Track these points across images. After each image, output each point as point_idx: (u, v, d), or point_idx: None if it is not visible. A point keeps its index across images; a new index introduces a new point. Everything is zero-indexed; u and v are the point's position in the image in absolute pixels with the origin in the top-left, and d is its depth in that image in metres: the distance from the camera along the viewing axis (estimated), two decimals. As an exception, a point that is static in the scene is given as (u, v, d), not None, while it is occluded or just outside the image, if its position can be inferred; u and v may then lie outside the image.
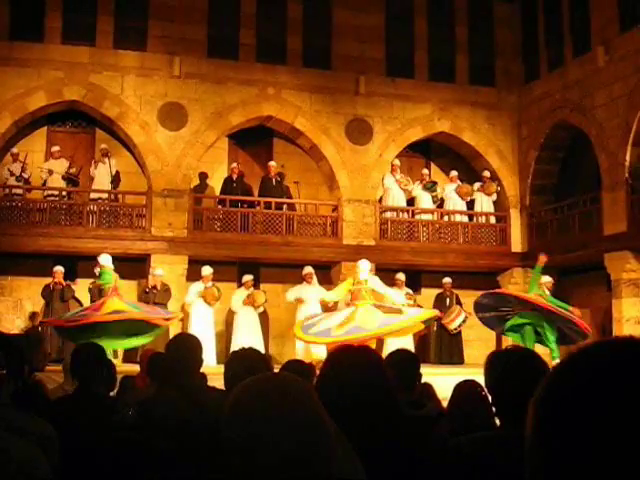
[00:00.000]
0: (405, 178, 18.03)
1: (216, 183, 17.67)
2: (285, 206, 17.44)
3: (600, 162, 16.29)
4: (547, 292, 14.27)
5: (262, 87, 17.40)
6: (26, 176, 16.37)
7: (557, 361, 11.11)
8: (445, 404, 5.12)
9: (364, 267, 13.84)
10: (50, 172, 16.47)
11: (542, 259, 14.16)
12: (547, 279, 14.48)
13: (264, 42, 17.68)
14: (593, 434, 0.85)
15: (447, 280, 17.36)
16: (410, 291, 16.77)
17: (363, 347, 2.81)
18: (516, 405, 1.93)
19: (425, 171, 18.68)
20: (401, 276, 16.66)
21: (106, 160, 16.62)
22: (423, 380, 5.42)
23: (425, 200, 18.24)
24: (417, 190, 18.26)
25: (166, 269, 15.59)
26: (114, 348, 13.29)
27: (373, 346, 11.78)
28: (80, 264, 16.64)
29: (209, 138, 17.10)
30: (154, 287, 15.39)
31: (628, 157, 15.57)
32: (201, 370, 4.32)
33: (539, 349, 11.82)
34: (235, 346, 13.25)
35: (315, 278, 15.72)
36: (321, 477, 1.43)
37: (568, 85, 17.34)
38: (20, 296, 16.65)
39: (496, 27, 19.36)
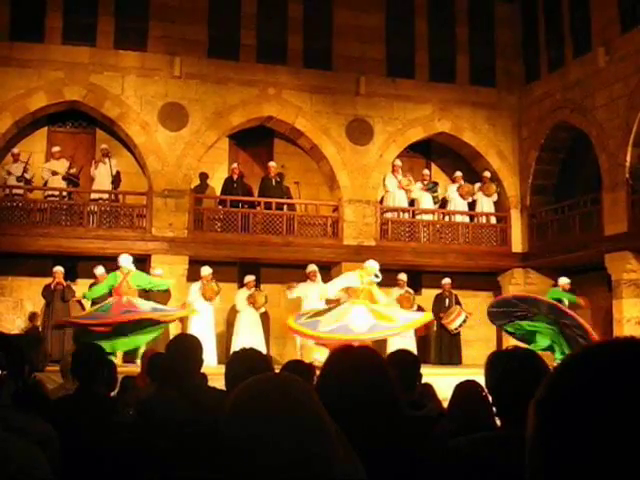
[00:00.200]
0: (407, 178, 18.03)
1: (216, 183, 17.68)
2: (285, 206, 17.44)
3: (600, 162, 16.29)
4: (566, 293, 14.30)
5: (263, 87, 17.40)
6: (28, 177, 16.38)
7: (558, 362, 11.06)
8: (445, 404, 5.12)
9: (371, 265, 13.93)
10: (54, 173, 16.48)
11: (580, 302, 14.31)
12: (565, 281, 14.40)
13: (265, 42, 17.68)
14: (594, 435, 0.85)
15: (446, 281, 17.35)
16: (411, 290, 16.79)
17: (365, 347, 2.81)
18: (516, 405, 1.93)
19: (426, 171, 18.69)
20: (403, 276, 16.67)
21: (106, 160, 16.63)
22: (423, 380, 5.42)
23: (426, 201, 18.24)
24: (418, 191, 18.26)
25: (166, 269, 15.58)
26: (126, 348, 13.42)
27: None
28: (80, 264, 16.65)
29: (209, 138, 17.10)
30: None
31: (628, 158, 15.57)
32: (202, 370, 4.33)
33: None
34: (236, 346, 13.26)
35: (319, 276, 15.67)
36: (322, 477, 1.43)
37: (568, 85, 17.34)
38: (20, 296, 16.66)
39: (497, 27, 19.36)
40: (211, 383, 4.55)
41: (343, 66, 18.00)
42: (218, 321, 16.25)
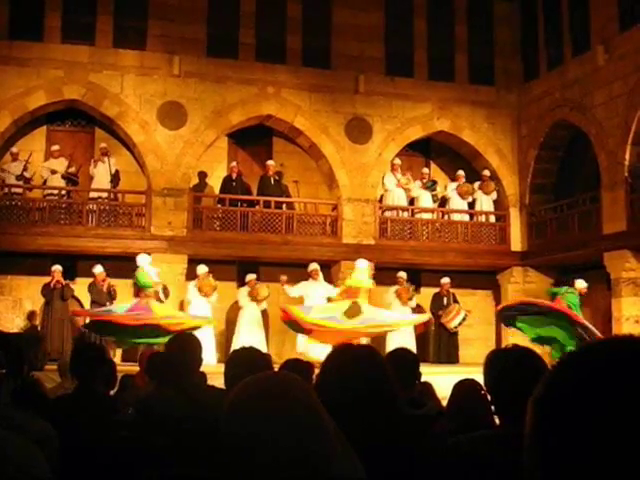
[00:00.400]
0: (406, 177, 18.03)
1: (215, 182, 17.67)
2: (284, 205, 17.44)
3: (600, 161, 16.29)
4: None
5: (262, 86, 17.40)
6: (28, 175, 16.37)
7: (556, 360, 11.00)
8: (445, 403, 5.12)
9: (361, 264, 13.94)
10: (53, 172, 16.47)
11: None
12: (582, 284, 14.31)
13: (264, 41, 17.67)
14: (592, 433, 0.85)
15: (446, 280, 17.33)
16: (410, 284, 16.80)
17: (364, 346, 2.82)
18: (515, 404, 1.93)
19: (425, 170, 18.68)
20: (402, 274, 16.67)
21: (105, 159, 16.62)
22: (423, 379, 5.42)
23: (425, 199, 18.24)
24: (417, 189, 18.26)
25: (165, 268, 15.57)
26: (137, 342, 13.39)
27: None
28: (80, 263, 16.65)
29: (209, 137, 17.10)
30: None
31: (627, 156, 15.57)
32: (201, 369, 4.33)
33: (538, 348, 11.80)
34: (237, 344, 13.25)
35: (321, 275, 15.65)
36: (320, 476, 1.43)
37: (568, 84, 17.34)
38: (20, 295, 16.66)
39: (496, 26, 19.35)
40: (210, 382, 4.56)
41: (342, 65, 17.99)
42: (218, 320, 16.24)
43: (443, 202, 18.68)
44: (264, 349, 13.33)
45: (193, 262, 15.99)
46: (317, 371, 2.61)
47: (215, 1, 17.48)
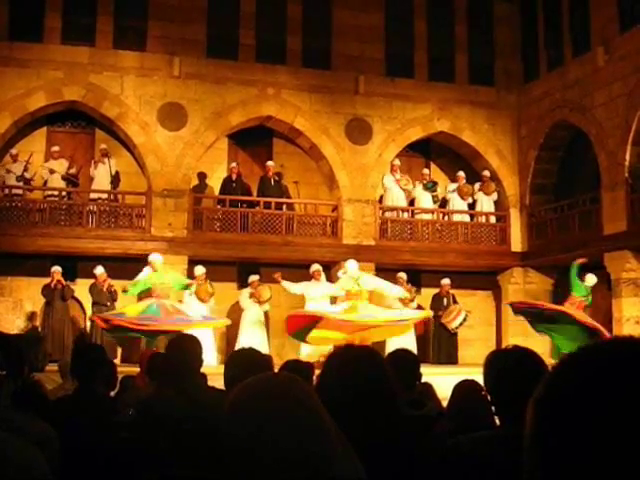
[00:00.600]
0: (405, 178, 18.03)
1: (215, 183, 17.68)
2: (285, 206, 17.44)
3: (600, 161, 16.29)
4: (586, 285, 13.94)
5: (262, 87, 17.40)
6: (28, 176, 16.36)
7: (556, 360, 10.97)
8: (445, 404, 5.12)
9: (349, 266, 13.91)
10: (52, 171, 16.47)
11: (579, 260, 13.95)
12: (593, 280, 14.19)
13: (264, 42, 17.68)
14: (592, 434, 0.85)
15: (446, 281, 17.32)
16: (411, 285, 16.76)
17: (365, 347, 2.82)
18: (515, 404, 1.93)
19: (426, 171, 18.68)
20: (403, 275, 16.65)
21: (106, 160, 16.62)
22: (423, 380, 5.42)
23: (425, 200, 18.24)
24: (417, 190, 18.26)
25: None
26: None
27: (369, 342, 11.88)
28: (80, 264, 16.65)
29: (209, 138, 17.10)
30: None
31: (628, 156, 15.57)
32: (201, 370, 4.33)
33: (538, 348, 11.77)
34: (240, 345, 13.26)
35: (324, 275, 15.58)
36: (321, 476, 1.43)
37: (568, 85, 17.34)
38: (20, 296, 16.65)
39: (496, 27, 19.36)
40: (211, 383, 4.55)
41: (342, 66, 18.00)
42: (218, 321, 16.22)
43: (443, 203, 18.68)
44: (266, 350, 13.35)
45: (193, 263, 15.98)
46: (317, 372, 2.61)
47: (215, 2, 17.48)
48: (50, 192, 16.44)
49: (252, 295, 15.89)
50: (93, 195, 16.65)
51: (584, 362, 0.92)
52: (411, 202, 18.40)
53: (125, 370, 9.04)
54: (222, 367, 3.94)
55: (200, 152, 17.03)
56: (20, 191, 16.29)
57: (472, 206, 18.64)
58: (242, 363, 3.72)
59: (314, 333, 13.05)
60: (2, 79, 16.01)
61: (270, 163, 17.58)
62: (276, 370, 4.48)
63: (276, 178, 17.56)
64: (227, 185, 17.26)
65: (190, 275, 15.65)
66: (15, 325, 16.10)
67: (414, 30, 18.80)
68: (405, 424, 2.42)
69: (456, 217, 18.46)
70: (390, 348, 12.88)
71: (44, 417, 3.18)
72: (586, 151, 17.12)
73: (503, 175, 18.75)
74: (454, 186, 18.51)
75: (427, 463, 2.40)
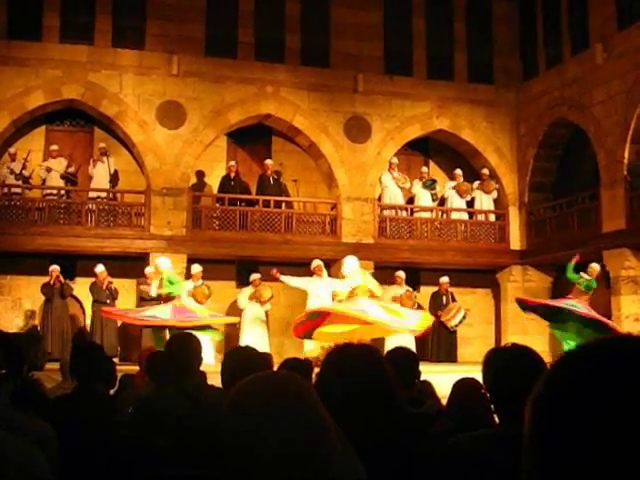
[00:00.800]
0: (402, 176, 18.03)
1: (215, 181, 17.66)
2: (284, 204, 17.43)
3: (598, 159, 16.29)
4: (587, 277, 13.83)
5: (260, 85, 17.39)
6: (27, 174, 16.35)
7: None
8: (444, 402, 5.12)
9: (347, 264, 13.82)
10: (48, 169, 16.46)
11: (576, 257, 13.92)
12: (594, 265, 14.04)
13: (262, 40, 17.66)
14: (591, 433, 0.85)
15: (445, 280, 17.33)
16: (410, 289, 16.76)
17: (364, 344, 2.81)
18: (514, 403, 1.93)
19: (425, 169, 18.69)
20: (401, 274, 16.66)
21: (105, 159, 16.62)
22: (422, 378, 5.42)
23: (424, 198, 18.23)
24: (416, 188, 18.26)
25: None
26: None
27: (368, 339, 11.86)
28: (79, 263, 16.66)
29: (208, 137, 17.10)
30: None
31: (626, 154, 15.57)
32: (200, 368, 4.33)
33: (537, 346, 11.77)
34: (242, 344, 13.25)
35: (325, 271, 15.47)
36: (321, 475, 1.43)
37: (566, 82, 17.34)
38: (19, 295, 16.65)
39: (494, 24, 19.35)
40: (209, 381, 4.55)
41: (341, 64, 17.99)
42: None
43: (442, 201, 18.68)
44: (267, 349, 13.34)
45: (192, 262, 15.98)
46: (317, 370, 2.61)
47: (214, 0, 17.47)
48: (49, 191, 16.44)
49: (253, 296, 15.84)
50: (92, 194, 16.65)
51: (582, 360, 0.92)
52: (410, 200, 18.40)
53: (124, 369, 9.04)
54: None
55: (199, 150, 17.02)
56: (19, 190, 16.28)
57: (471, 204, 18.64)
58: (239, 362, 3.72)
59: (321, 329, 13.03)
60: (1, 78, 16.00)
61: (269, 161, 17.57)
62: (275, 368, 4.48)
63: (275, 176, 17.55)
64: (225, 183, 17.25)
65: (187, 273, 15.67)
66: (14, 324, 16.10)
67: (413, 28, 18.79)
68: (405, 422, 2.42)
69: (455, 215, 18.46)
70: (389, 346, 12.87)
71: (43, 416, 3.18)
72: (585, 149, 17.12)
73: (502, 173, 18.75)
74: (453, 184, 18.51)
75: (426, 462, 2.40)
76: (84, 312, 16.62)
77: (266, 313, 16.34)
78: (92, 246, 15.93)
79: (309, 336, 13.35)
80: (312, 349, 13.44)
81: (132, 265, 16.36)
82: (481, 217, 18.73)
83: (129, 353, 15.26)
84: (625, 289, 15.58)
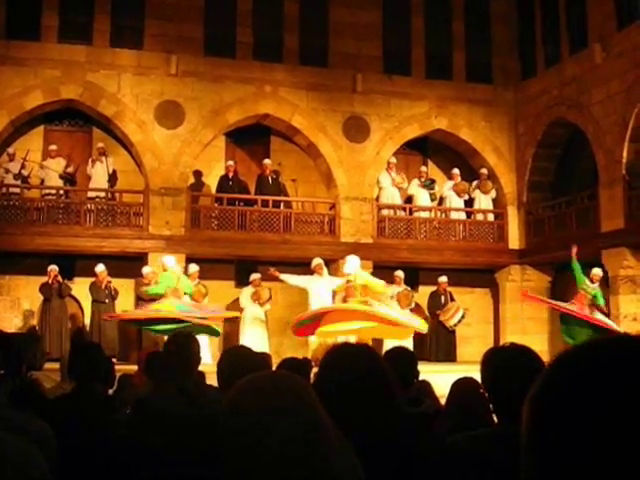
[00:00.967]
0: (400, 176, 18.03)
1: (213, 181, 17.66)
2: (282, 204, 17.43)
3: (597, 159, 16.29)
4: (592, 285, 13.78)
5: (259, 85, 17.39)
6: (26, 173, 16.35)
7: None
8: (443, 401, 5.13)
9: (349, 263, 13.79)
10: (41, 166, 16.44)
11: (574, 250, 13.86)
12: (596, 271, 14.03)
13: (261, 40, 17.66)
14: (589, 432, 0.85)
15: (443, 279, 17.34)
16: (408, 288, 16.75)
17: (363, 344, 2.82)
18: (512, 402, 1.93)
19: (423, 168, 18.70)
20: (400, 273, 16.65)
21: (103, 159, 16.61)
22: (421, 377, 5.42)
23: (423, 198, 18.23)
24: (415, 188, 18.26)
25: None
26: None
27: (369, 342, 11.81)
28: (78, 263, 16.66)
29: (206, 136, 17.09)
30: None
31: (625, 154, 15.58)
32: (199, 368, 4.33)
33: (535, 345, 11.75)
34: (242, 344, 13.23)
35: (326, 270, 15.44)
36: (319, 474, 1.43)
37: (565, 82, 17.34)
38: (18, 295, 16.65)
39: (493, 24, 19.36)
40: (207, 381, 4.56)
41: (339, 63, 17.98)
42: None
43: (441, 201, 18.68)
44: (267, 349, 13.33)
45: (191, 261, 15.98)
46: (315, 369, 2.61)
47: (212, 0, 17.46)
48: (48, 191, 16.43)
49: (252, 296, 15.82)
50: (91, 194, 16.65)
51: (579, 359, 0.92)
52: (409, 200, 18.40)
53: (122, 368, 9.04)
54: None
55: (197, 150, 17.02)
56: (18, 190, 16.27)
57: (470, 204, 18.64)
58: (236, 361, 3.72)
59: (322, 329, 13.01)
60: (-1, 78, 16.00)
61: (267, 161, 17.57)
62: (274, 368, 4.48)
63: (274, 176, 17.56)
64: (223, 183, 17.25)
65: (185, 273, 15.65)
66: (13, 324, 16.10)
67: (411, 28, 18.79)
68: (403, 422, 2.42)
69: (454, 215, 18.47)
70: (387, 346, 12.86)
71: (42, 416, 3.18)
72: (584, 148, 17.12)
73: (500, 172, 18.75)
74: (451, 184, 18.51)
75: (425, 461, 2.40)
76: (83, 312, 16.62)
77: (265, 313, 16.33)
78: (91, 246, 15.92)
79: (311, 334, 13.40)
80: (315, 348, 13.39)
81: (131, 265, 16.35)
82: (480, 217, 18.73)
83: (128, 353, 15.25)
84: (623, 288, 15.58)
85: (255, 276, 16.08)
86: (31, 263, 16.22)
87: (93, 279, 15.54)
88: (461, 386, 4.87)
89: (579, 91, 16.88)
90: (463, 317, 16.92)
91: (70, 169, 16.86)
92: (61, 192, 16.58)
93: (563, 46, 17.74)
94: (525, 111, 18.66)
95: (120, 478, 3.07)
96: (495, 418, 2.79)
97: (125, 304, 15.87)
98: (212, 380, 4.37)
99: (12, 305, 16.63)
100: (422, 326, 13.53)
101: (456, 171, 18.50)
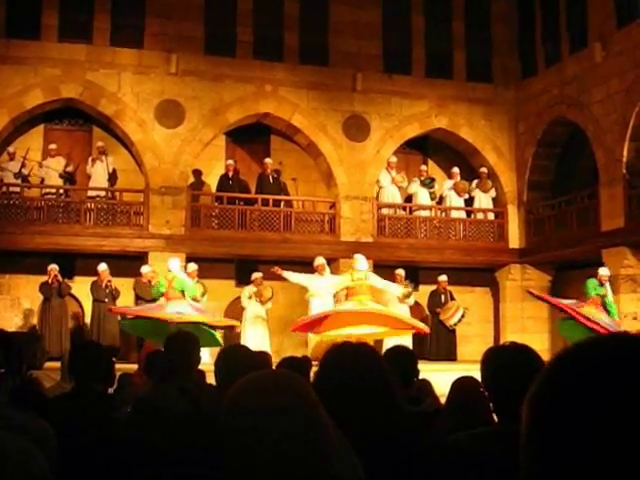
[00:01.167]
0: (400, 175, 18.03)
1: (213, 180, 17.66)
2: (282, 203, 17.43)
3: (597, 158, 16.29)
4: (602, 287, 13.64)
5: (259, 84, 17.38)
6: (26, 172, 16.34)
7: None
8: (443, 400, 5.13)
9: (363, 260, 13.88)
10: (40, 164, 16.44)
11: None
12: (604, 272, 13.90)
13: (261, 39, 17.66)
14: (589, 431, 0.85)
15: (443, 278, 17.35)
16: (412, 284, 16.72)
17: (362, 343, 2.82)
18: (512, 401, 1.93)
19: (424, 167, 18.70)
20: (400, 272, 16.63)
21: (103, 158, 16.61)
22: (421, 376, 5.42)
23: (423, 197, 18.23)
24: (415, 186, 18.26)
25: (163, 267, 15.51)
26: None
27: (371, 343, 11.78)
28: (78, 262, 16.65)
29: (206, 135, 17.09)
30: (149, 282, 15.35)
31: (625, 153, 15.57)
32: (199, 367, 4.33)
33: (535, 344, 11.75)
34: (243, 343, 13.24)
35: (328, 269, 15.43)
36: (320, 473, 1.43)
37: (565, 81, 17.34)
38: (18, 294, 16.65)
39: (493, 23, 19.35)
40: (207, 380, 4.56)
41: (340, 62, 17.98)
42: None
43: (441, 200, 18.67)
44: (268, 348, 13.34)
45: (191, 260, 15.98)
46: (315, 368, 2.61)
47: (212, -1, 17.48)
48: (48, 190, 16.43)
49: (255, 295, 15.81)
50: (91, 193, 16.64)
51: (579, 358, 0.92)
52: (409, 199, 18.40)
53: (122, 367, 9.04)
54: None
55: (198, 149, 17.02)
56: (18, 189, 16.27)
57: (470, 203, 18.64)
58: (235, 360, 3.72)
59: (326, 333, 13.02)
60: (-1, 77, 16.00)
61: (268, 160, 17.57)
62: (274, 367, 4.48)
63: (274, 175, 17.56)
64: (223, 182, 17.25)
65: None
66: (13, 323, 16.10)
67: (412, 26, 18.79)
68: (403, 421, 2.42)
69: (454, 214, 18.47)
70: (387, 345, 12.86)
71: (42, 415, 3.18)
72: (584, 147, 17.12)
73: (501, 172, 18.75)
74: (451, 183, 18.51)
75: (426, 460, 2.40)
76: (83, 311, 16.62)
77: (266, 312, 16.33)
78: (91, 245, 15.92)
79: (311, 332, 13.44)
80: (315, 346, 13.39)
81: (131, 264, 16.34)
82: (480, 216, 18.73)
83: (129, 352, 15.25)
84: (624, 287, 15.57)
85: (257, 275, 16.07)
86: (31, 262, 16.21)
87: (93, 278, 15.54)
88: (461, 385, 4.87)
89: (579, 90, 16.87)
90: (463, 316, 16.91)
91: (70, 168, 16.86)
92: (61, 191, 16.58)
93: (563, 45, 17.74)
94: (525, 110, 18.66)
95: (120, 477, 3.08)
96: (495, 417, 2.79)
97: (125, 304, 15.85)
98: (212, 379, 4.38)
99: (12, 304, 16.63)
100: (425, 327, 13.66)
101: (456, 170, 18.50)
